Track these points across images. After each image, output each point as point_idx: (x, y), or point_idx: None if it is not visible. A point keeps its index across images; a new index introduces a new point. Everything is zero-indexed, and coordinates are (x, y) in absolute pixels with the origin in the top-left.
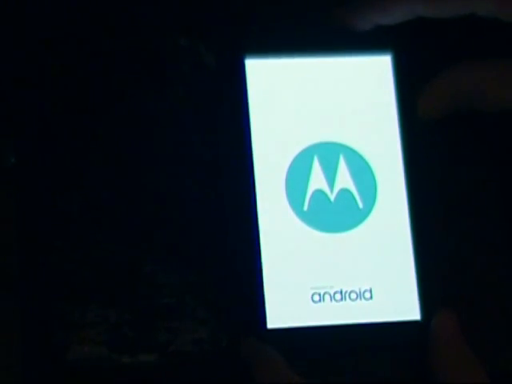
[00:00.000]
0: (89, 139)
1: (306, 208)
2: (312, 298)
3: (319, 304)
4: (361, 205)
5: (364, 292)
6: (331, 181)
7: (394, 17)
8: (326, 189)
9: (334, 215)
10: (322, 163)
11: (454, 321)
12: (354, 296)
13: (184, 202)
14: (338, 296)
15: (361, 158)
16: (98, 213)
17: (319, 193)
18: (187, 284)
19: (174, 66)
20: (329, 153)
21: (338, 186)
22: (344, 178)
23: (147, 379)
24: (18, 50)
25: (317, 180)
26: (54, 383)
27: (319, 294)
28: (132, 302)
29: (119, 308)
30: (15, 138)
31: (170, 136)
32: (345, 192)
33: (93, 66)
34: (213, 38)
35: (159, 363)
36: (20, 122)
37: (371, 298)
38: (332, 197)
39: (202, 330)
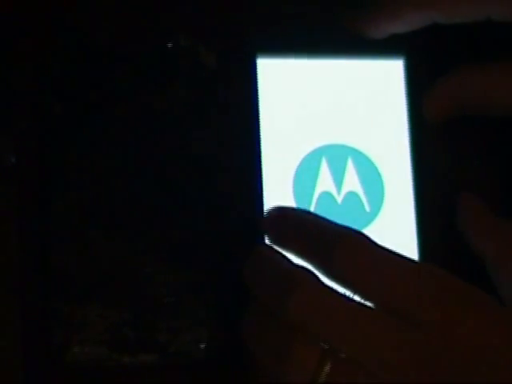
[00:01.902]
0: (89, 139)
1: (312, 210)
2: None
3: None
4: (368, 208)
5: None
6: (339, 183)
7: (408, 25)
8: (334, 191)
9: (341, 218)
10: (330, 165)
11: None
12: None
13: (185, 202)
14: None
15: (369, 161)
16: (97, 213)
17: (326, 195)
18: (187, 284)
19: (173, 66)
20: (337, 155)
21: (345, 189)
22: (352, 181)
23: (147, 379)
24: (17, 50)
25: (324, 182)
26: (54, 383)
27: None
28: (132, 302)
29: (119, 308)
30: (15, 137)
31: (169, 136)
32: (352, 195)
33: (93, 66)
34: (213, 38)
35: (159, 363)
36: (20, 121)
37: None
38: (339, 199)
39: (202, 331)
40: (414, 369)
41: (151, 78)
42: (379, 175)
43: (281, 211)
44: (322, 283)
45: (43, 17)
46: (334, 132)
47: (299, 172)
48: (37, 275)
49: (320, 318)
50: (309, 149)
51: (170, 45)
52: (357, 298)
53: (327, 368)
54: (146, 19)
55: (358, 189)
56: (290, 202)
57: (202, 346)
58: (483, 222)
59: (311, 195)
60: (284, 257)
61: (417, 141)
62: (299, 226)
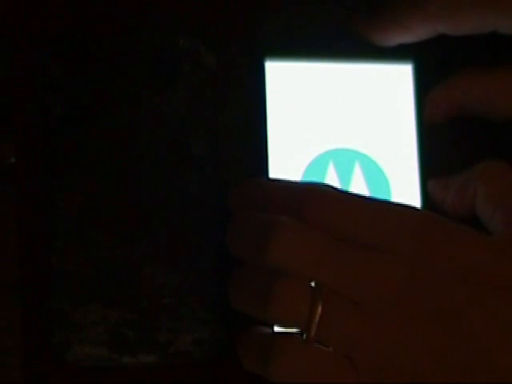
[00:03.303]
0: (89, 139)
1: None
2: None
3: None
4: None
5: None
6: (346, 187)
7: (416, 35)
8: None
9: None
10: (337, 169)
11: None
12: None
13: (185, 202)
14: None
15: (376, 165)
16: (98, 213)
17: None
18: (187, 284)
19: (173, 65)
20: (344, 159)
21: None
22: (359, 185)
23: (147, 379)
24: (17, 50)
25: None
26: (54, 383)
27: None
28: (132, 302)
29: (119, 308)
30: (15, 137)
31: (170, 136)
32: None
33: (92, 66)
34: (213, 38)
35: (159, 363)
36: (20, 122)
37: None
38: None
39: (203, 331)
40: (401, 297)
41: (151, 78)
42: (386, 180)
43: (245, 186)
44: (299, 223)
45: (43, 17)
46: (341, 136)
47: (306, 176)
48: (37, 275)
49: (303, 254)
50: (316, 153)
51: (169, 46)
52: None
53: (319, 309)
54: (146, 19)
55: (365, 193)
56: None
57: (202, 346)
58: (457, 181)
59: None
60: (256, 212)
61: (424, 145)
62: (264, 192)
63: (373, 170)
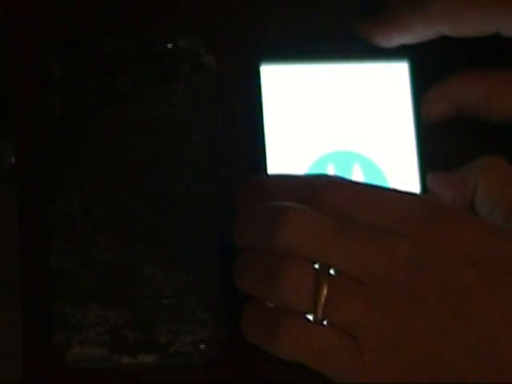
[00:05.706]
0: (89, 139)
1: None
2: None
3: None
4: None
5: None
6: None
7: (418, 37)
8: None
9: None
10: (336, 172)
11: None
12: None
13: (185, 203)
14: None
15: (374, 166)
16: (98, 213)
17: None
18: (187, 285)
19: (174, 66)
20: (343, 161)
21: None
22: None
23: (147, 380)
24: (17, 50)
25: None
26: (54, 383)
27: None
28: (132, 302)
29: (119, 309)
30: (15, 137)
31: (169, 136)
32: None
33: (92, 66)
34: (212, 40)
35: (159, 364)
36: (20, 121)
37: None
38: None
39: (202, 331)
40: (409, 278)
41: (151, 79)
42: (386, 181)
43: (252, 182)
44: (306, 207)
45: (43, 17)
46: (341, 139)
47: None
48: (37, 276)
49: (309, 236)
50: (315, 156)
51: (169, 46)
52: None
53: (325, 290)
54: (146, 19)
55: None
56: None
57: (202, 346)
58: (457, 175)
59: None
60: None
61: (423, 144)
62: (271, 185)
63: (372, 171)
